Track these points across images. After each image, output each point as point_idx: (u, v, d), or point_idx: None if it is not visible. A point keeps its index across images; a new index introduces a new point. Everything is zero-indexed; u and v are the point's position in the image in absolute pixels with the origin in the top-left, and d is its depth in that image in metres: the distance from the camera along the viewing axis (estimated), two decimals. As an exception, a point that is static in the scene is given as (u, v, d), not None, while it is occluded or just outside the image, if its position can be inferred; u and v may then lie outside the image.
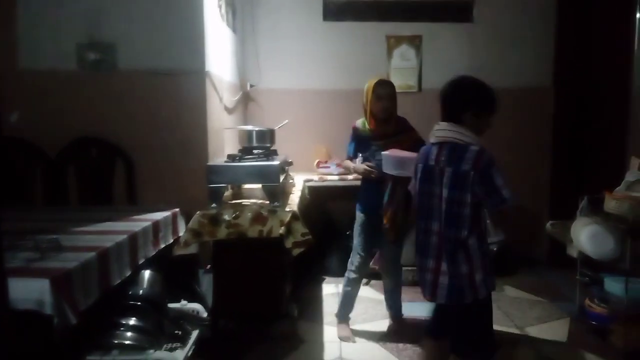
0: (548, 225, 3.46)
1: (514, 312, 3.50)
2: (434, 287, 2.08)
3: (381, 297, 3.81)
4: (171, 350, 2.20)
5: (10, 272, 1.57)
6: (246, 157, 3.01)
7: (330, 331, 3.21)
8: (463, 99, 2.12)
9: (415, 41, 4.53)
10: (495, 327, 3.21)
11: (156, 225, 2.47)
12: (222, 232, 2.78)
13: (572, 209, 3.24)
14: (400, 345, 3.02)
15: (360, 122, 3.11)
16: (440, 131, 2.11)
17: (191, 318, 2.51)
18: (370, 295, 3.85)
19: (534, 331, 3.21)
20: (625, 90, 3.96)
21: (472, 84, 2.16)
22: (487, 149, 2.07)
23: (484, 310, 2.12)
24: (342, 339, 3.09)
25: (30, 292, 1.54)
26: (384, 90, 3.01)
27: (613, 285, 2.92)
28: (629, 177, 3.13)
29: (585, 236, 2.91)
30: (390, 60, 4.54)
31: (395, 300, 3.28)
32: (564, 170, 4.48)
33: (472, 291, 2.02)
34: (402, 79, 4.52)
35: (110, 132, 3.05)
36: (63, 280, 1.60)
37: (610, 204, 2.90)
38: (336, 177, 4.21)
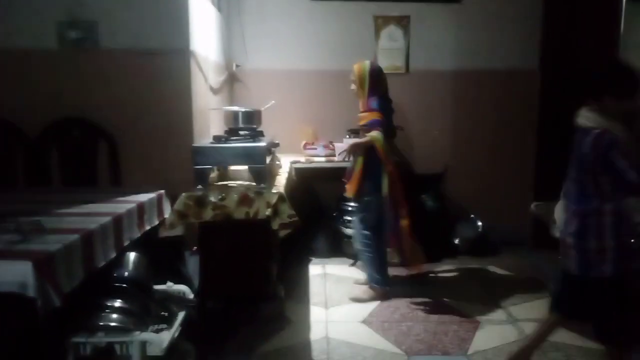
0: (532, 206, 3.49)
1: (498, 292, 3.56)
2: (570, 258, 2.22)
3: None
4: (157, 331, 2.20)
5: (-9, 254, 1.56)
6: (232, 138, 2.99)
7: (316, 311, 3.23)
8: (603, 80, 2.19)
9: (403, 22, 4.50)
10: (479, 306, 3.30)
11: (141, 207, 2.44)
12: (208, 214, 2.77)
13: (556, 191, 3.26)
14: (386, 324, 3.06)
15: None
16: (577, 117, 2.24)
17: (177, 300, 2.50)
18: (356, 276, 3.88)
19: (517, 310, 3.27)
20: (610, 72, 3.98)
21: (616, 66, 2.22)
22: (608, 132, 2.10)
23: (612, 289, 2.19)
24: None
25: (12, 274, 1.51)
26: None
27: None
28: (612, 159, 3.16)
29: (568, 217, 2.95)
30: (377, 41, 4.50)
31: (365, 267, 3.52)
32: (549, 151, 4.51)
33: (599, 265, 2.14)
34: (389, 60, 4.50)
35: (93, 113, 2.99)
36: (46, 263, 1.58)
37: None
38: (323, 159, 4.21)
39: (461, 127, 4.63)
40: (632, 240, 2.25)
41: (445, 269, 4.06)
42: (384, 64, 4.43)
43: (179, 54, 2.99)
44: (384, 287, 3.44)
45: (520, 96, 4.61)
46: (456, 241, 4.43)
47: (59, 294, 1.60)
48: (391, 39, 4.52)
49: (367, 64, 3.37)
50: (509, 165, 4.67)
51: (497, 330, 3.00)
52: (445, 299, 3.44)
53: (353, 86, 3.41)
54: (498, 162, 4.67)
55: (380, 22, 4.49)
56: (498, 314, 3.21)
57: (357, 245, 3.58)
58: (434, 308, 3.30)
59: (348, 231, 4.15)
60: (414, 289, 3.61)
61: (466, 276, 3.91)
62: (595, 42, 4.17)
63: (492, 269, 4.06)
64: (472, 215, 4.53)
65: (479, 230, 4.48)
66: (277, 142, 3.46)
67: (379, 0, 4.49)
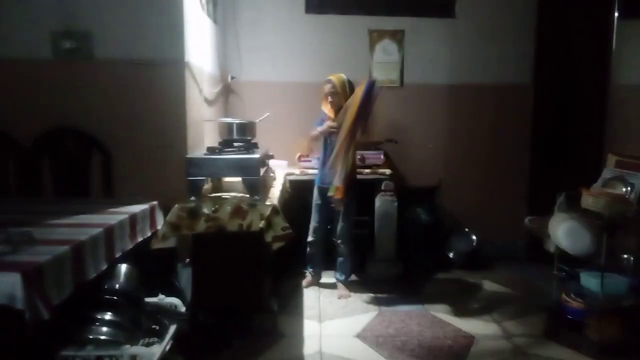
0: (526, 220, 3.50)
1: (493, 307, 3.54)
2: None
3: (361, 290, 3.84)
4: (148, 345, 2.17)
5: (-21, 265, 1.53)
6: (226, 149, 2.98)
7: (310, 325, 3.20)
8: None
9: (397, 36, 4.53)
10: (474, 321, 3.28)
11: (133, 218, 2.42)
12: (201, 226, 2.74)
13: (550, 205, 3.28)
14: (380, 339, 3.03)
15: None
16: None
17: (169, 312, 2.47)
18: (350, 289, 3.85)
19: (512, 325, 3.25)
20: (603, 89, 4.03)
21: None
22: None
23: None
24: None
25: (0, 286, 1.49)
26: None
27: (589, 281, 2.96)
28: (606, 174, 3.18)
29: (562, 232, 2.95)
30: (372, 55, 4.53)
31: (345, 268, 3.78)
32: (542, 165, 4.54)
33: None
34: (384, 74, 4.52)
35: (87, 123, 2.97)
36: (35, 275, 1.55)
37: (587, 201, 2.95)
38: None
39: (455, 141, 4.65)
40: None
41: (440, 283, 4.04)
42: (379, 77, 4.46)
43: (173, 65, 2.98)
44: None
45: (514, 111, 4.63)
46: (450, 255, 4.41)
47: (48, 306, 1.57)
48: (386, 52, 4.55)
49: (342, 74, 3.67)
50: (503, 179, 4.68)
51: (492, 345, 2.98)
52: (439, 314, 3.41)
53: (332, 98, 3.61)
54: (492, 175, 4.68)
55: (375, 36, 4.52)
56: (493, 329, 3.19)
57: (342, 245, 3.74)
58: (428, 323, 3.27)
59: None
60: (408, 302, 3.59)
61: (461, 290, 3.89)
62: (588, 57, 4.22)
63: (487, 283, 4.04)
64: (467, 229, 4.53)
65: (474, 244, 4.47)
66: (271, 154, 3.46)
67: (374, 14, 4.52)
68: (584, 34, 4.23)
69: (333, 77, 3.59)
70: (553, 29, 4.42)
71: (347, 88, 3.58)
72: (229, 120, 3.25)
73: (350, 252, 3.76)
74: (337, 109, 3.58)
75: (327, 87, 3.58)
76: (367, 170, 4.05)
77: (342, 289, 3.76)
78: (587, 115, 4.24)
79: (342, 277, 3.80)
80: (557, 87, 4.44)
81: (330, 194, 3.48)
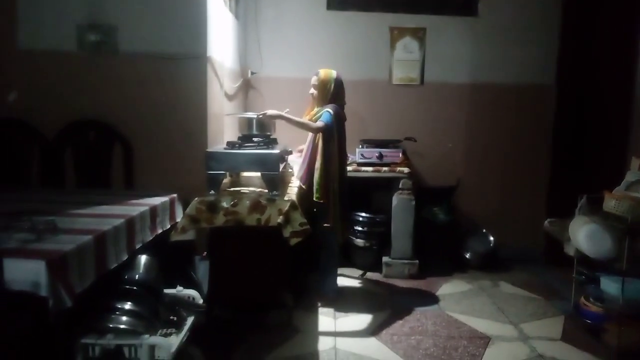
0: (546, 222, 3.45)
1: (509, 308, 3.51)
2: None
3: (377, 288, 3.85)
4: (166, 335, 2.19)
5: (6, 252, 1.56)
6: (246, 144, 2.99)
7: (325, 321, 3.21)
8: None
9: (418, 34, 4.50)
10: (490, 322, 3.26)
11: (154, 210, 2.45)
12: (220, 220, 2.76)
13: (571, 207, 3.23)
14: (395, 337, 3.02)
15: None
16: None
17: (187, 304, 2.49)
18: (366, 287, 3.86)
19: (528, 328, 3.21)
20: (628, 90, 3.95)
21: None
22: None
23: None
24: None
25: (25, 273, 1.52)
26: None
27: (609, 285, 2.92)
28: (629, 177, 3.12)
29: (583, 235, 2.91)
30: (392, 52, 4.50)
31: (324, 280, 3.48)
32: (563, 168, 4.47)
33: None
34: (404, 72, 4.50)
35: (109, 115, 3.02)
36: (59, 263, 1.58)
37: (610, 204, 2.90)
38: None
39: (475, 141, 4.61)
40: None
41: (456, 283, 4.01)
42: (399, 75, 4.45)
43: (196, 60, 3.01)
44: (335, 294, 3.51)
45: (535, 111, 4.58)
46: (467, 255, 4.38)
47: (70, 294, 1.60)
48: (406, 50, 4.52)
49: (334, 72, 3.40)
50: (522, 180, 4.63)
51: (508, 347, 2.95)
52: (455, 314, 3.39)
53: (313, 90, 3.41)
54: (511, 176, 4.63)
55: (396, 34, 4.50)
56: (509, 331, 3.16)
57: (325, 254, 3.46)
58: (443, 322, 3.26)
59: (358, 241, 4.13)
60: (424, 302, 3.58)
61: (477, 291, 3.87)
62: (613, 59, 4.14)
63: (504, 284, 4.01)
64: (484, 230, 4.49)
65: (491, 245, 4.44)
66: (290, 149, 3.46)
67: (395, 11, 4.50)
68: (609, 34, 4.15)
69: (321, 71, 3.39)
70: (577, 29, 4.35)
71: (330, 87, 3.34)
72: (249, 115, 3.26)
73: (328, 261, 3.47)
74: (314, 102, 3.43)
75: (313, 79, 3.42)
76: (385, 168, 4.03)
77: (323, 300, 3.46)
78: (610, 117, 4.16)
79: (324, 289, 3.50)
80: (580, 88, 4.37)
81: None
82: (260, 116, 3.11)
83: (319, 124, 3.23)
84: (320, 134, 3.27)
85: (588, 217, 2.98)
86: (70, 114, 3.00)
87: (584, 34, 4.32)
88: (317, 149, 3.30)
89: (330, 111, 3.26)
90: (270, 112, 3.13)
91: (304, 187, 3.31)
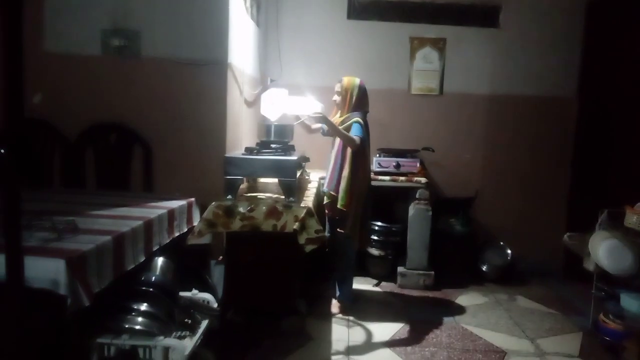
0: (565, 237, 3.41)
1: (526, 323, 3.45)
2: None
3: (391, 298, 3.82)
4: (181, 338, 2.20)
5: (26, 250, 1.58)
6: (264, 150, 3.01)
7: (338, 330, 3.19)
8: None
9: (438, 44, 4.49)
10: (506, 336, 3.21)
11: (172, 213, 2.47)
12: (236, 224, 2.78)
13: (591, 222, 3.18)
14: (409, 348, 2.99)
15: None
16: None
17: (202, 308, 2.50)
18: (380, 297, 3.83)
19: (546, 343, 3.16)
20: (651, 104, 3.88)
21: None
22: None
23: None
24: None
25: (45, 271, 1.54)
26: None
27: (629, 302, 2.86)
28: (652, 192, 3.07)
29: (603, 250, 2.87)
30: (412, 62, 4.50)
31: (338, 285, 3.47)
32: (584, 182, 4.41)
33: None
34: (423, 82, 4.49)
35: (130, 119, 3.06)
36: (78, 262, 1.61)
37: (631, 219, 2.85)
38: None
39: (494, 152, 4.57)
40: None
41: (472, 296, 3.97)
42: (418, 85, 4.44)
43: (216, 66, 3.05)
44: (351, 301, 3.50)
45: (556, 124, 4.53)
46: (484, 268, 4.33)
47: (88, 293, 1.62)
48: (426, 60, 4.52)
49: (357, 79, 3.34)
50: (541, 193, 4.58)
51: (523, 362, 2.91)
52: (470, 327, 3.35)
53: (336, 97, 3.37)
54: (530, 189, 4.58)
55: (416, 44, 4.50)
56: (525, 346, 3.11)
57: (341, 260, 3.43)
58: (458, 335, 3.22)
59: (373, 251, 4.12)
60: (438, 313, 3.54)
61: (493, 304, 3.81)
62: (636, 71, 4.08)
63: (521, 298, 3.95)
64: (502, 243, 4.44)
65: (508, 258, 4.38)
66: (307, 157, 3.47)
67: (416, 21, 4.50)
68: (632, 47, 4.09)
69: (345, 78, 3.35)
70: (600, 41, 4.30)
71: (354, 94, 3.29)
72: (268, 121, 3.28)
73: (345, 268, 3.46)
74: (338, 109, 3.42)
75: (337, 86, 3.40)
76: (402, 178, 4.01)
77: (334, 306, 3.47)
78: (633, 130, 4.09)
79: (338, 294, 3.50)
80: (602, 100, 4.32)
81: (325, 201, 3.35)
82: (307, 117, 3.21)
83: (356, 139, 3.16)
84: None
85: (609, 232, 2.93)
86: (93, 116, 3.05)
87: (607, 46, 4.27)
88: (346, 158, 3.25)
89: (361, 123, 3.21)
90: (318, 112, 3.15)
91: (334, 194, 3.26)
